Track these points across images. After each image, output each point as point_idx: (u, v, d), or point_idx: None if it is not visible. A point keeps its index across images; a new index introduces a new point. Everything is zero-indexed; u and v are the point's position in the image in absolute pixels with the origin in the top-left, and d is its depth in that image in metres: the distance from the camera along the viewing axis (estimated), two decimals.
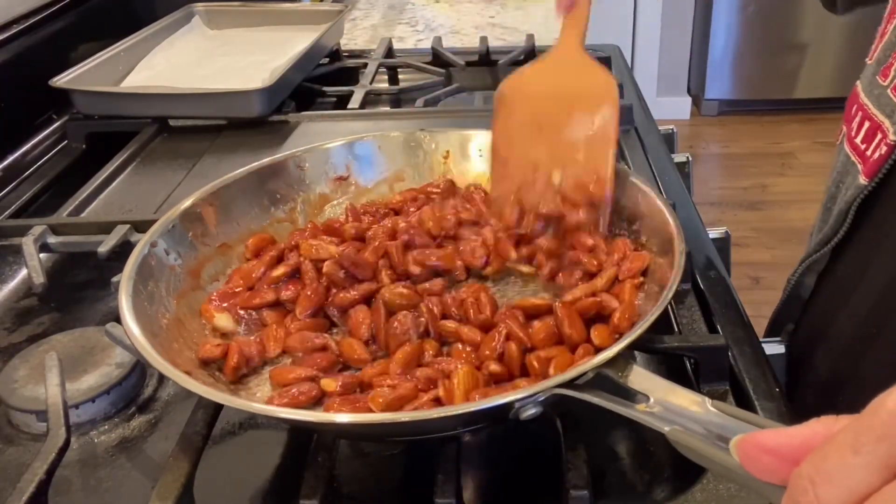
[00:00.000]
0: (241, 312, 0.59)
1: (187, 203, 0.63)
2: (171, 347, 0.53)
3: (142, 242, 0.58)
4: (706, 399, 0.39)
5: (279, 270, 0.61)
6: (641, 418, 0.41)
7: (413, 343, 0.53)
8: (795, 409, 0.54)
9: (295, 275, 0.61)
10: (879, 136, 0.58)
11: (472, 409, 0.44)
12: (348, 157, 0.72)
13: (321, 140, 0.73)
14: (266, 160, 0.69)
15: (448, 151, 0.72)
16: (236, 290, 0.60)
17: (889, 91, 0.58)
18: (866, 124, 0.60)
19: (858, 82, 0.63)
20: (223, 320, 0.58)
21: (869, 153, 0.59)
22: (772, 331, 0.76)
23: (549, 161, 0.64)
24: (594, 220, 0.61)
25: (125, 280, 0.54)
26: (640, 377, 0.44)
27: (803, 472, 0.28)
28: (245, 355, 0.54)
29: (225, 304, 0.59)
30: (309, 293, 0.58)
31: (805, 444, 0.29)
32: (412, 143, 0.73)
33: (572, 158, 0.63)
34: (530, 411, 0.44)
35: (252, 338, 0.56)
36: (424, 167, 0.72)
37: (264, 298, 0.59)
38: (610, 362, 0.44)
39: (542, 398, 0.44)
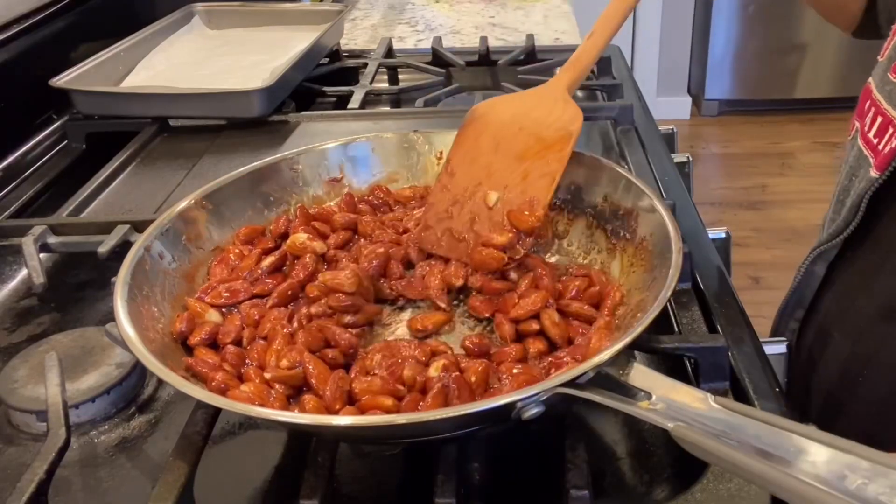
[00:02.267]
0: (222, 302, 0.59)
1: (180, 207, 0.62)
2: (169, 351, 0.53)
3: (135, 247, 0.57)
4: (709, 395, 0.39)
5: (266, 261, 0.61)
6: (645, 416, 0.41)
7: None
8: (795, 408, 0.54)
9: (280, 267, 0.62)
10: (891, 130, 0.60)
11: (474, 409, 0.44)
12: (342, 158, 0.71)
13: (321, 140, 0.73)
14: (259, 162, 0.69)
15: (441, 152, 0.71)
16: (217, 285, 0.60)
17: None
18: (879, 119, 0.62)
19: (871, 78, 0.65)
20: (212, 315, 0.57)
21: (881, 147, 0.61)
22: (780, 319, 0.78)
23: (492, 180, 0.64)
24: (512, 246, 0.60)
25: (120, 285, 0.53)
26: (641, 374, 0.44)
27: None
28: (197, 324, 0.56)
29: (207, 299, 0.58)
30: (287, 290, 0.59)
31: None
32: (405, 145, 0.72)
33: (515, 183, 0.63)
34: (532, 411, 0.44)
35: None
36: (418, 168, 0.72)
37: (236, 297, 0.59)
38: (610, 360, 0.44)
39: (545, 398, 0.44)
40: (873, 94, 0.63)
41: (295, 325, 0.56)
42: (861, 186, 0.63)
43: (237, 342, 0.55)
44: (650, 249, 0.58)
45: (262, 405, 0.48)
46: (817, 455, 0.34)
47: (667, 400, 0.41)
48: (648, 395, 0.42)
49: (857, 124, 0.66)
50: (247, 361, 0.53)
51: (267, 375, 0.51)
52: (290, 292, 0.59)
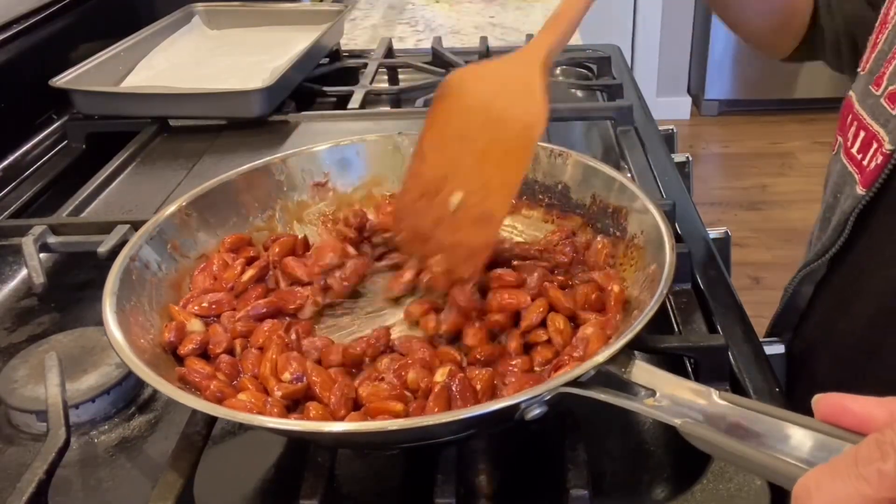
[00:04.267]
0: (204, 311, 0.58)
1: (164, 215, 0.62)
2: (161, 361, 0.52)
3: (121, 256, 0.57)
4: (712, 390, 0.39)
5: (247, 274, 0.60)
6: (651, 412, 0.41)
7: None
8: (795, 409, 0.54)
9: (263, 278, 0.62)
10: (875, 145, 0.58)
11: (478, 413, 0.44)
12: (326, 162, 0.70)
13: (322, 140, 0.72)
14: (242, 168, 0.68)
15: None
16: (199, 295, 0.59)
17: (882, 100, 0.58)
18: (862, 134, 0.60)
19: (851, 92, 0.63)
20: (194, 325, 0.57)
21: (866, 163, 0.59)
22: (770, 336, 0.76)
23: (457, 177, 0.59)
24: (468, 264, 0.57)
25: (108, 295, 0.53)
26: (643, 371, 0.44)
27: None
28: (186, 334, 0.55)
29: (189, 308, 0.58)
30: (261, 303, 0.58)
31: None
32: (390, 147, 0.71)
33: (476, 188, 0.58)
34: (536, 411, 0.44)
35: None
36: (403, 171, 0.70)
37: (220, 309, 0.58)
38: (611, 359, 0.44)
39: (548, 397, 0.43)
40: (855, 109, 0.62)
41: (293, 336, 0.55)
42: (847, 204, 0.61)
43: (229, 352, 0.54)
44: (642, 247, 0.58)
45: (260, 413, 0.48)
46: (828, 448, 0.34)
47: (671, 396, 0.41)
48: (652, 392, 0.42)
49: (840, 139, 0.64)
50: (240, 371, 0.53)
51: (277, 394, 0.50)
52: (265, 310, 0.58)
